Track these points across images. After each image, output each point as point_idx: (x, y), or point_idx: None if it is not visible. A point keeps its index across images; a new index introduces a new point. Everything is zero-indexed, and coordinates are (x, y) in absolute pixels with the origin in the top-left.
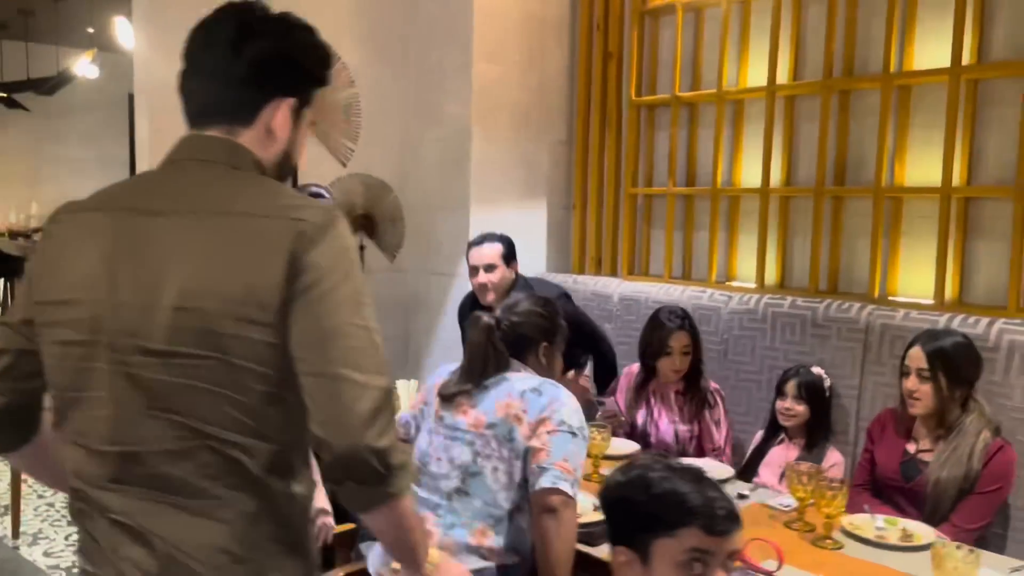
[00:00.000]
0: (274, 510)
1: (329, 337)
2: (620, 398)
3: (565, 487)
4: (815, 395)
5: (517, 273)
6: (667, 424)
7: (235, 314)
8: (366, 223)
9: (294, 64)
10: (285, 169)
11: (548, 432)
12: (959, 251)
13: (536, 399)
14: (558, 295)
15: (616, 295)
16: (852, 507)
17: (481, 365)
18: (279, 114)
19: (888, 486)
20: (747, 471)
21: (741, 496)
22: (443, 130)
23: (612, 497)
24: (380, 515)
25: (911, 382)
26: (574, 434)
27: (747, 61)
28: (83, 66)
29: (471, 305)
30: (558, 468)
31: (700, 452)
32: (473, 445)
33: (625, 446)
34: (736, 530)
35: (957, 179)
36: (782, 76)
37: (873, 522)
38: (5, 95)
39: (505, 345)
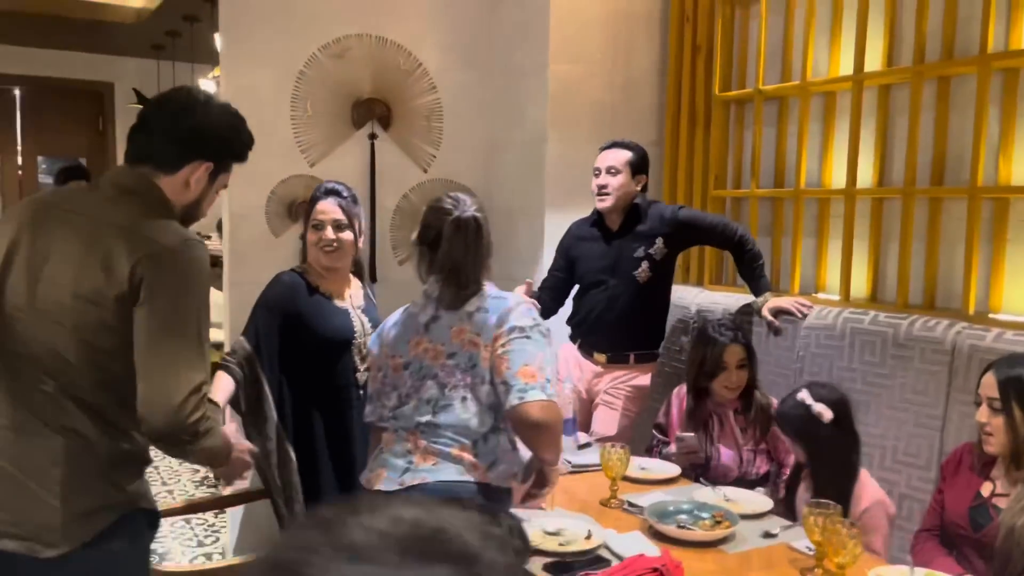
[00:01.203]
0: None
1: (159, 340)
2: (674, 420)
3: (534, 396)
4: (804, 431)
5: (644, 190)
6: (729, 448)
7: (85, 296)
8: None
9: (221, 140)
10: (190, 215)
11: (503, 345)
12: None
13: (484, 318)
14: (677, 209)
15: (694, 305)
16: (915, 556)
17: (466, 275)
18: (197, 173)
19: (955, 534)
20: (787, 507)
21: (768, 535)
22: (522, 134)
23: None
24: (189, 458)
25: (983, 414)
26: (528, 336)
27: (838, 48)
28: (206, 82)
29: None
30: (521, 378)
31: (767, 474)
32: (437, 378)
33: (665, 469)
34: None
35: None
36: (873, 63)
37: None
38: None
39: None
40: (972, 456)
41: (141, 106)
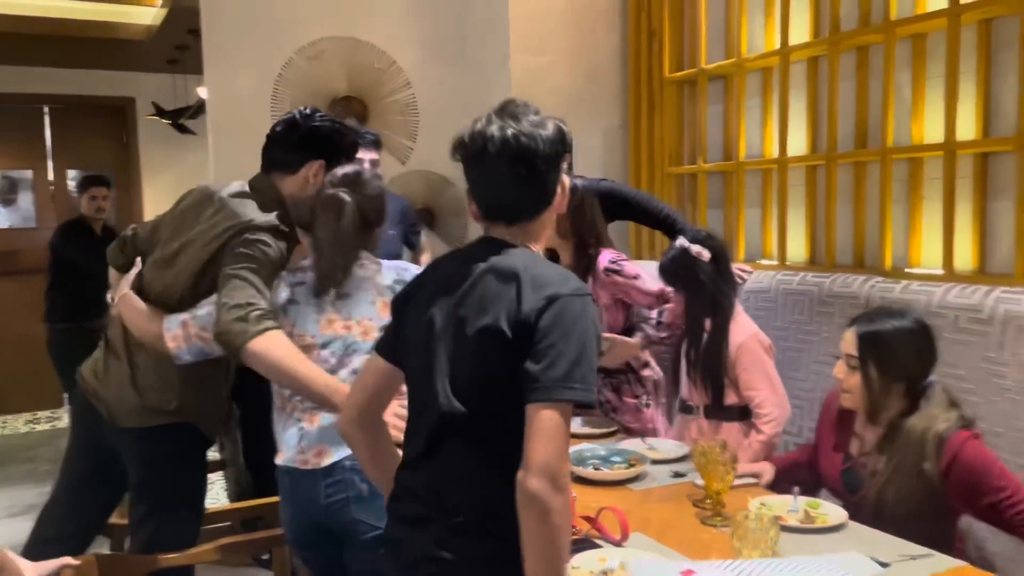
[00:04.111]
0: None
1: (224, 279)
2: None
3: None
4: (685, 274)
5: (570, 168)
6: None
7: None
8: (426, 216)
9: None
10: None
11: None
12: (978, 215)
13: None
14: (599, 181)
15: None
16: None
17: (346, 258)
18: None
19: (834, 494)
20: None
21: (677, 475)
22: None
23: None
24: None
25: (840, 370)
26: None
27: (772, 25)
28: (203, 90)
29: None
30: None
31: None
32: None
33: (603, 425)
34: None
35: (974, 133)
36: (802, 37)
37: (787, 504)
38: (167, 122)
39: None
40: (835, 406)
41: (158, 118)
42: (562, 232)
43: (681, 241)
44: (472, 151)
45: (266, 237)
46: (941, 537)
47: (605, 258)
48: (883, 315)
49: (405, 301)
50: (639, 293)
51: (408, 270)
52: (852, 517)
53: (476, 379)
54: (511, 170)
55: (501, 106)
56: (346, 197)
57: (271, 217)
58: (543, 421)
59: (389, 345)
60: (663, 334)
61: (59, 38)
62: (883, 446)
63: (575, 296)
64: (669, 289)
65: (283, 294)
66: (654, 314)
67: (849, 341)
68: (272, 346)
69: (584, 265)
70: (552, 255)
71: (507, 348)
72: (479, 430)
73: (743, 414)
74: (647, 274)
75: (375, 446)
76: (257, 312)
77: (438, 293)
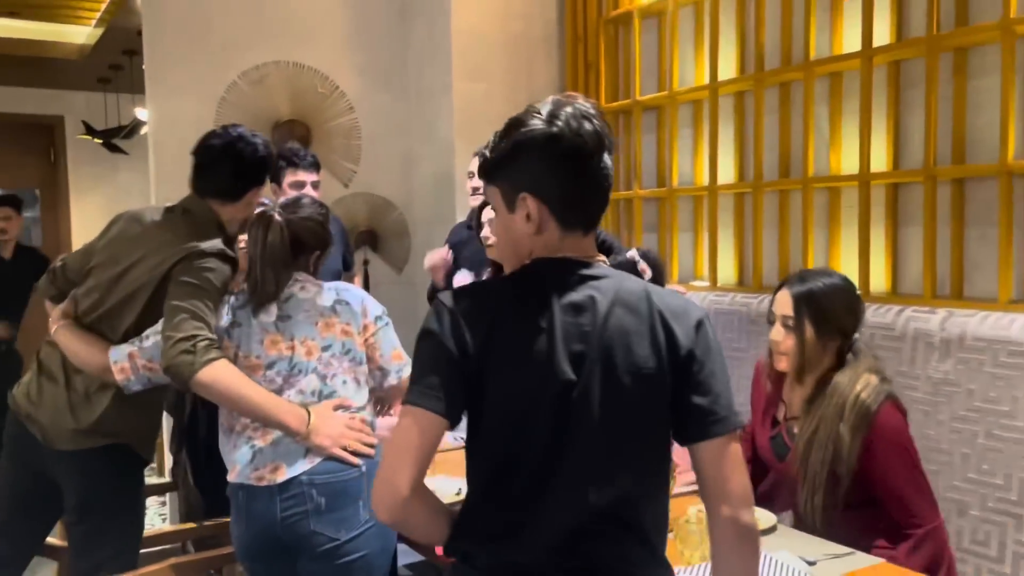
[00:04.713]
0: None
1: (170, 310)
2: None
3: (407, 371)
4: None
5: None
6: None
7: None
8: (369, 238)
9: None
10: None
11: (372, 334)
12: (890, 240)
13: (348, 309)
14: None
15: None
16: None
17: (275, 275)
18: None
19: (767, 467)
20: None
21: None
22: (434, 148)
23: None
24: (198, 390)
25: (777, 332)
26: (387, 323)
27: (702, 61)
28: (141, 111)
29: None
30: (394, 361)
31: None
32: (316, 371)
33: None
34: None
35: (885, 165)
36: (728, 73)
37: None
38: (99, 141)
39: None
40: (764, 373)
41: (90, 137)
42: None
43: (632, 253)
44: (589, 151)
45: (212, 262)
46: (864, 503)
47: None
48: (813, 274)
49: (477, 356)
50: None
51: (348, 290)
52: (786, 489)
53: (638, 431)
54: (606, 166)
55: (565, 102)
56: (275, 215)
57: (216, 243)
58: (733, 453)
59: (460, 406)
60: None
61: None
62: (810, 405)
63: (706, 317)
64: None
65: (226, 317)
66: None
67: (784, 302)
68: (221, 375)
69: None
70: (500, 269)
71: (666, 385)
72: (636, 492)
73: None
74: None
75: (433, 516)
76: (204, 343)
77: (546, 340)
